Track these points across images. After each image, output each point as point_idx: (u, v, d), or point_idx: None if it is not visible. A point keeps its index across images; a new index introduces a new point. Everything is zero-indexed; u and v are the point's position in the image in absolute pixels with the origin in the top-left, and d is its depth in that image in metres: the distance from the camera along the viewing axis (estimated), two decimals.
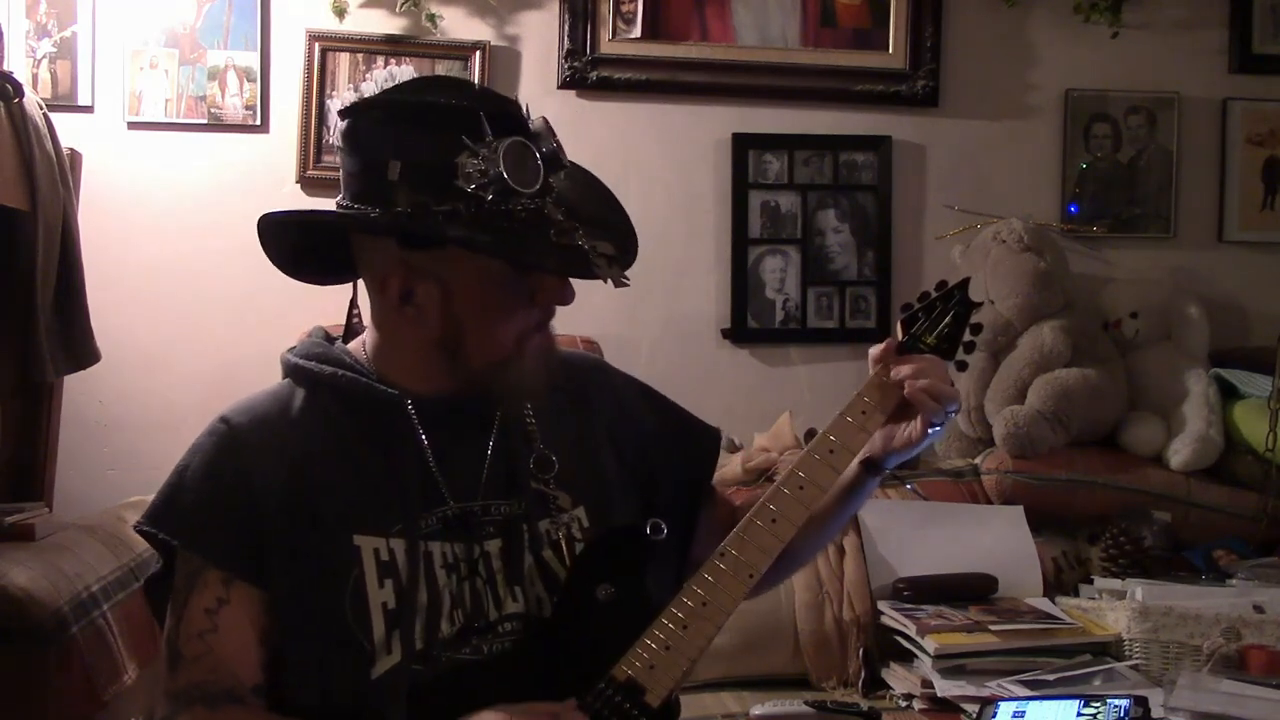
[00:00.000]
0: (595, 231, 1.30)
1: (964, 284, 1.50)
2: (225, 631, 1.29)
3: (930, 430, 1.43)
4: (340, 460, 1.33)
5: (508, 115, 1.30)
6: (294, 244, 1.40)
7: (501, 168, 1.23)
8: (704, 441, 1.60)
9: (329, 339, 1.45)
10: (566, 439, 1.44)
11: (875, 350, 1.47)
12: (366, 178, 1.29)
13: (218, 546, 1.30)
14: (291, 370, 1.40)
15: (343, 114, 1.34)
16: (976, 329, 1.50)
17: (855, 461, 1.46)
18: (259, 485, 1.31)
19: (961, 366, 1.50)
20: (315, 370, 1.37)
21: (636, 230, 1.40)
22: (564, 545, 1.39)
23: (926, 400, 1.41)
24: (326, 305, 1.70)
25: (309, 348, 1.41)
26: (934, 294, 1.50)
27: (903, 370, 1.44)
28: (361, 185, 1.30)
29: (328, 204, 1.43)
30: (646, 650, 1.29)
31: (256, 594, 1.30)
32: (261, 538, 1.29)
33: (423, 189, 1.26)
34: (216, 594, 1.29)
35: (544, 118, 1.33)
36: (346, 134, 1.32)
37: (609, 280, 1.27)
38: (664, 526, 1.36)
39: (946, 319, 1.48)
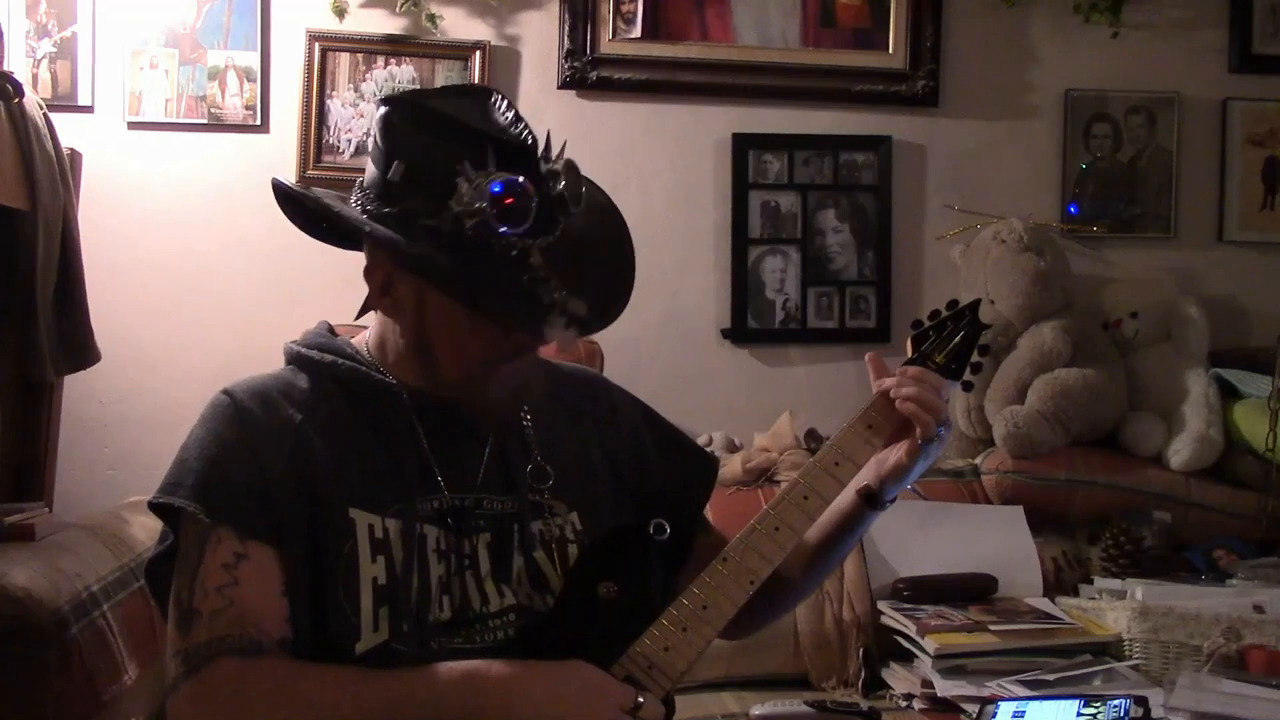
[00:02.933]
0: (578, 286, 1.28)
1: (975, 305, 1.52)
2: (247, 584, 1.27)
3: (923, 449, 1.41)
4: (339, 441, 1.36)
5: (521, 150, 1.30)
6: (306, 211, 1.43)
7: (486, 202, 1.24)
8: (701, 469, 1.60)
9: (332, 333, 1.47)
10: (563, 447, 1.46)
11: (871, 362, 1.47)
12: (377, 168, 1.33)
13: (231, 507, 1.30)
14: (294, 358, 1.44)
15: (380, 102, 1.37)
16: (985, 350, 1.51)
17: (853, 492, 1.45)
18: (263, 452, 1.32)
19: (968, 387, 1.51)
20: (316, 358, 1.41)
21: (636, 229, 1.39)
22: (555, 547, 1.40)
23: (919, 412, 1.40)
24: (327, 304, 1.70)
25: (312, 338, 1.45)
26: (945, 313, 1.51)
27: (886, 382, 1.44)
28: (372, 173, 1.34)
29: None
30: (646, 649, 1.30)
31: (273, 551, 1.30)
32: (269, 502, 1.31)
33: (416, 197, 1.28)
34: (234, 549, 1.29)
35: (570, 161, 1.32)
36: (378, 121, 1.35)
37: (557, 343, 1.26)
38: (667, 527, 1.37)
39: (956, 338, 1.49)
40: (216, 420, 1.36)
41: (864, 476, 1.45)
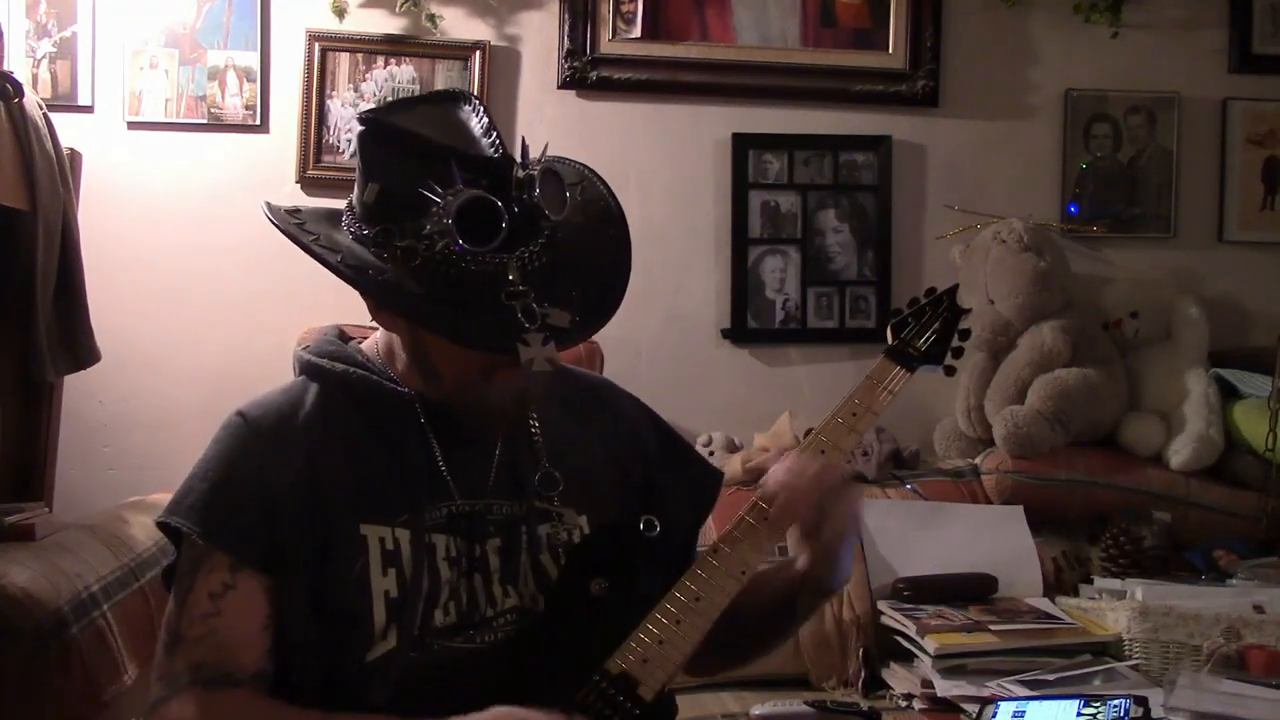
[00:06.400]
0: (563, 295, 1.27)
1: (953, 290, 1.53)
2: (229, 616, 1.30)
3: (824, 542, 1.36)
4: (351, 453, 1.36)
5: (489, 163, 1.28)
6: None
7: (451, 221, 1.23)
8: (705, 483, 1.60)
9: (343, 337, 1.47)
10: (572, 452, 1.45)
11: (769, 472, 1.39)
12: (357, 187, 1.34)
13: (228, 533, 1.31)
14: (305, 367, 1.43)
15: (357, 119, 1.37)
16: (965, 335, 1.52)
17: (799, 574, 1.41)
18: (272, 475, 1.33)
19: (950, 371, 1.52)
20: (327, 367, 1.40)
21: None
22: (561, 551, 1.40)
23: (794, 510, 1.35)
24: (327, 304, 1.70)
25: (322, 345, 1.44)
26: (923, 300, 1.52)
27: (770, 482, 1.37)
28: (356, 192, 1.34)
29: (328, 203, 1.44)
30: (640, 645, 1.29)
31: (264, 582, 1.31)
32: (273, 527, 1.31)
33: (390, 218, 1.28)
34: (223, 579, 1.30)
35: (550, 167, 1.30)
36: (356, 140, 1.36)
37: (529, 362, 1.21)
38: (657, 524, 1.37)
39: (935, 325, 1.50)
40: (227, 442, 1.37)
41: (805, 566, 1.41)
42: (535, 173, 1.28)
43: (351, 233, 1.33)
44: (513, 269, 1.25)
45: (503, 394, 1.34)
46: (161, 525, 1.36)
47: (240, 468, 1.34)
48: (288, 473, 1.33)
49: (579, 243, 1.34)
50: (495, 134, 1.31)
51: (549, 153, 1.34)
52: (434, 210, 1.24)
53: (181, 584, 1.32)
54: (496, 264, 1.25)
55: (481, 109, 1.34)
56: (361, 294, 1.33)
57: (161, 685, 1.30)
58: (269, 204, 1.37)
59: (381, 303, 1.32)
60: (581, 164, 1.43)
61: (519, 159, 1.31)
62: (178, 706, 1.27)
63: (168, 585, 1.40)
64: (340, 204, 1.39)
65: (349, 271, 1.28)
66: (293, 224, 1.34)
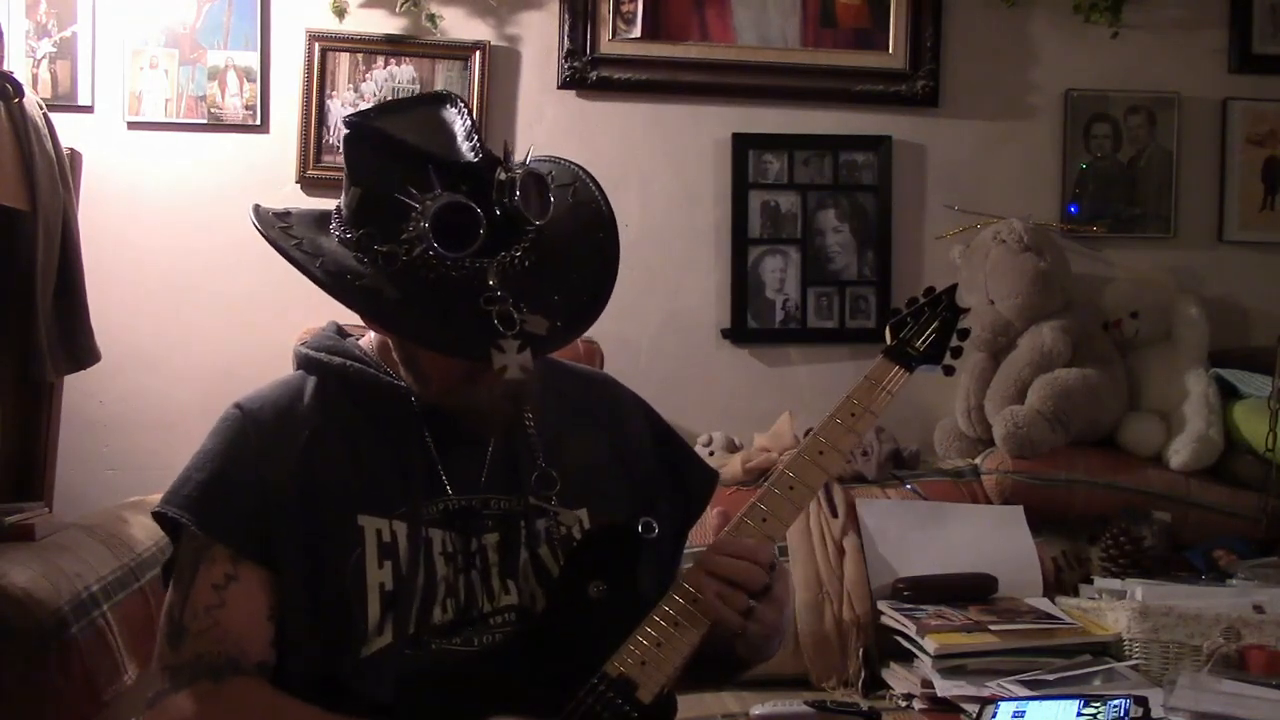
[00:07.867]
0: (541, 302, 1.26)
1: (951, 290, 1.54)
2: (233, 607, 1.30)
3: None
4: (348, 446, 1.36)
5: (468, 168, 1.27)
6: None
7: (427, 225, 1.22)
8: (700, 483, 1.59)
9: (341, 333, 1.47)
10: (570, 449, 1.45)
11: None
12: (343, 191, 1.34)
13: (227, 525, 1.31)
14: (303, 361, 1.44)
15: (343, 122, 1.37)
16: (964, 334, 1.52)
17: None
18: (269, 466, 1.33)
19: (949, 371, 1.52)
20: (325, 361, 1.41)
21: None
22: (559, 545, 1.40)
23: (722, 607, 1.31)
24: (326, 305, 1.69)
25: (320, 340, 1.45)
26: (922, 300, 1.53)
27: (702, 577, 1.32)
28: (341, 195, 1.34)
29: (328, 203, 1.43)
30: (638, 647, 1.30)
31: (264, 574, 1.31)
32: (270, 519, 1.31)
33: (372, 223, 1.28)
34: (225, 570, 1.31)
35: (535, 170, 1.29)
36: (342, 142, 1.36)
37: (504, 369, 1.21)
38: (655, 525, 1.36)
39: (934, 324, 1.50)
40: (225, 435, 1.37)
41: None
42: (518, 176, 1.27)
43: (337, 236, 1.33)
44: (492, 274, 1.24)
45: (492, 397, 1.33)
46: (159, 515, 1.36)
47: (237, 460, 1.34)
48: (285, 465, 1.33)
49: (567, 246, 1.33)
50: (477, 137, 1.31)
51: (544, 154, 1.34)
52: (412, 215, 1.23)
53: (183, 575, 1.32)
54: (475, 268, 1.24)
55: (465, 111, 1.34)
56: (338, 300, 1.31)
57: (165, 677, 1.29)
58: (257, 207, 1.36)
59: (359, 309, 1.31)
60: (577, 165, 1.42)
61: (503, 161, 1.30)
62: (182, 699, 1.27)
63: (165, 581, 1.40)
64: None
65: (326, 278, 1.27)
66: (278, 227, 1.33)
